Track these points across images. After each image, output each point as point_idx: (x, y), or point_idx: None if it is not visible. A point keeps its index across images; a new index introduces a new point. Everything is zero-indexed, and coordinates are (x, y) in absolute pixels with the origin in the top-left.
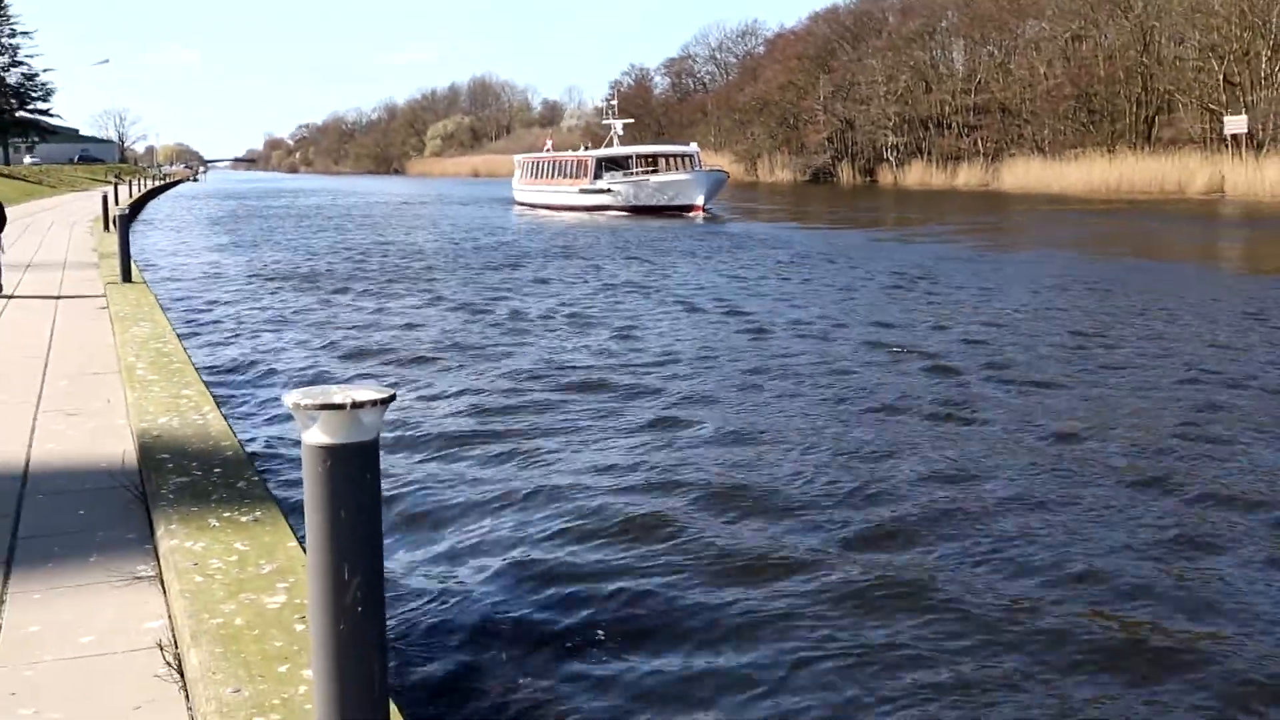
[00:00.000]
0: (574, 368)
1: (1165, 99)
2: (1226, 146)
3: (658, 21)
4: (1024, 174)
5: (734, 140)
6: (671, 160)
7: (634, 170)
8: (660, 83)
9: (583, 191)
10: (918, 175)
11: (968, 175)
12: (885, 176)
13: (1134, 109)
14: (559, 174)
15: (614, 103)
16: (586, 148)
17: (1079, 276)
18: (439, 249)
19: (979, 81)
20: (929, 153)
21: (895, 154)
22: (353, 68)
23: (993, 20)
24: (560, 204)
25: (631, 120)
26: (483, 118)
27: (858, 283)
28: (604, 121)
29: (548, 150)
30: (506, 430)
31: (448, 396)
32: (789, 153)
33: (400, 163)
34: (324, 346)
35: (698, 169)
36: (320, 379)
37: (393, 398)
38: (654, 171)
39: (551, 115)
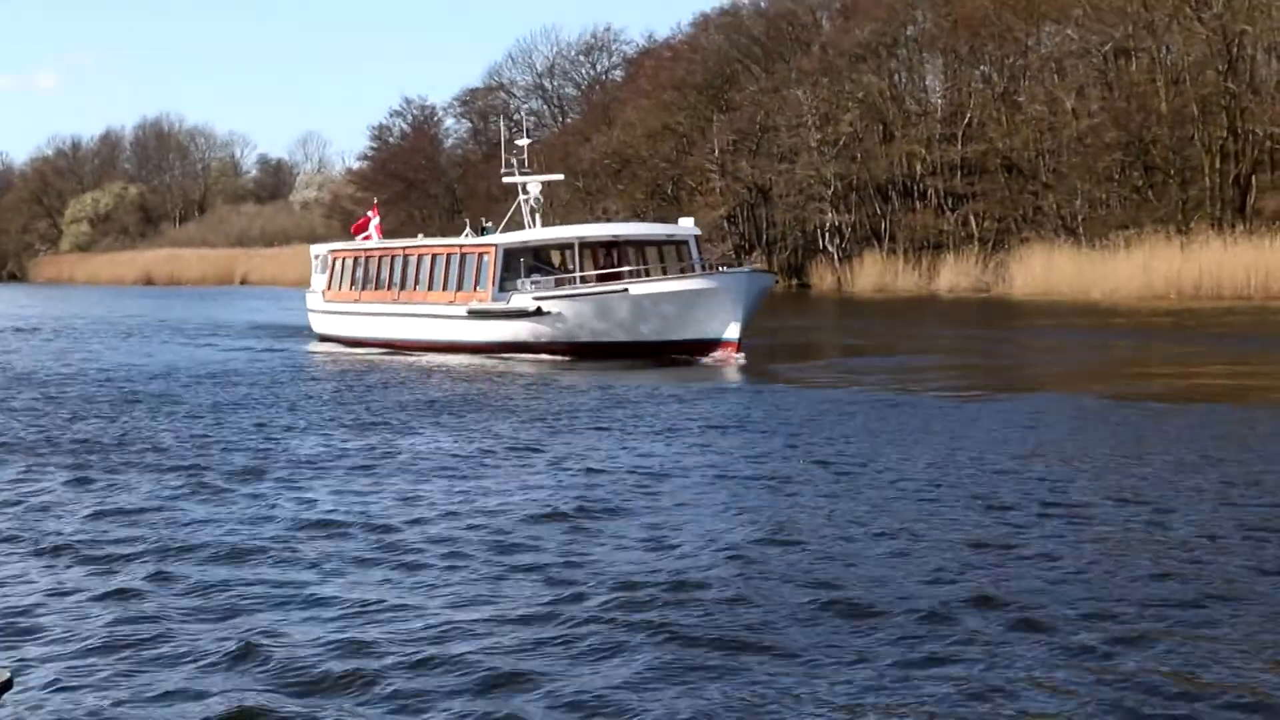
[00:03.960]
0: None
1: (1266, 147)
2: None
3: (451, 40)
4: (1044, 271)
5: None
6: (649, 251)
7: (575, 270)
8: (454, 128)
9: (475, 315)
10: (874, 275)
11: (955, 274)
12: (823, 276)
13: (1217, 163)
14: (419, 279)
15: (522, 142)
16: (484, 227)
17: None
18: None
19: (970, 123)
20: (890, 237)
21: (838, 241)
22: None
23: (988, 24)
24: (425, 338)
25: (560, 177)
26: (159, 187)
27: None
28: (504, 178)
29: (371, 233)
30: None
31: None
32: None
33: (20, 263)
34: None
35: (718, 268)
36: None
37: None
38: (617, 275)
39: (276, 181)
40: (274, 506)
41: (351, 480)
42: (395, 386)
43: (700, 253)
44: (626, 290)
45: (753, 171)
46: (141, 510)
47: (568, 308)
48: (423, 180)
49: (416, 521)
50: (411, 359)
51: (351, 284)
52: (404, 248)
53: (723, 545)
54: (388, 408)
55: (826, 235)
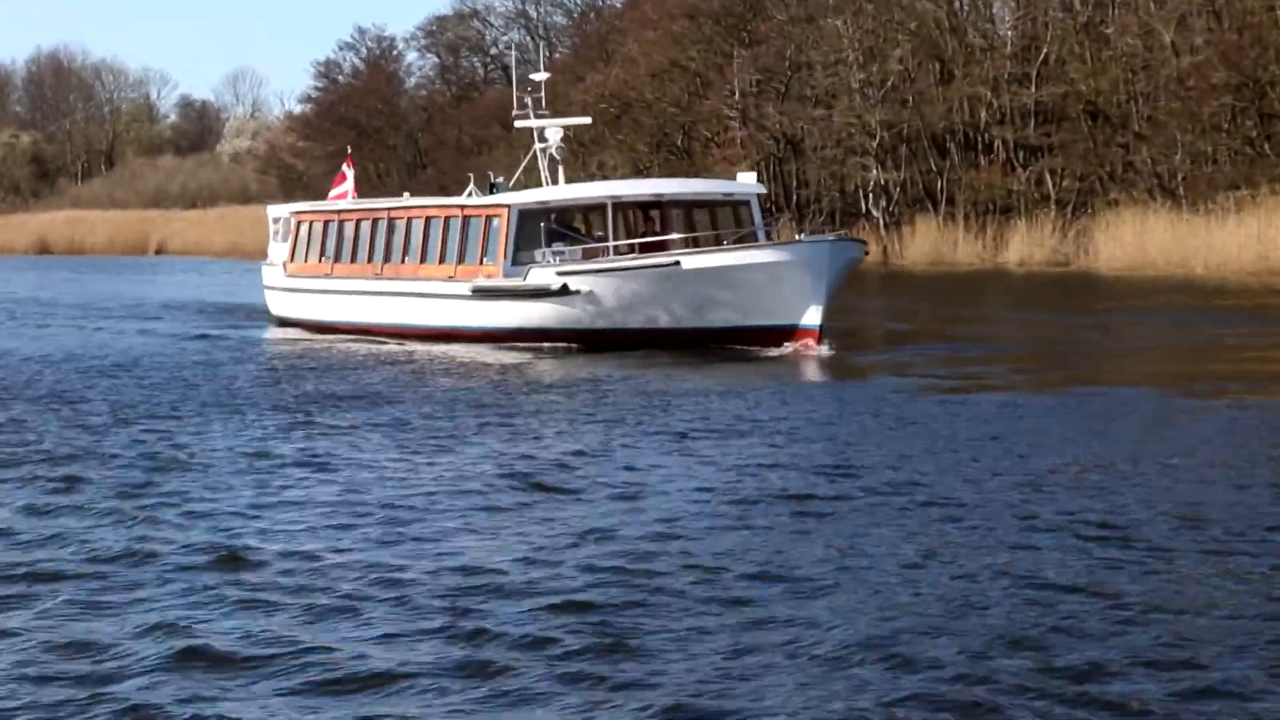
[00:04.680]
0: None
1: None
2: None
3: None
4: (1136, 240)
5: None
6: (697, 215)
7: (608, 238)
8: (417, 64)
9: (481, 294)
10: (929, 245)
11: (1027, 244)
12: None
13: None
14: (409, 249)
15: (538, 77)
16: (492, 184)
17: None
18: None
19: (1046, 59)
20: (948, 199)
21: (885, 203)
22: None
23: None
24: (416, 324)
25: (587, 121)
26: (58, 134)
27: None
28: (516, 120)
29: (346, 189)
30: None
31: None
32: None
33: None
34: None
35: (793, 238)
36: None
37: None
38: (661, 244)
39: (200, 129)
40: (170, 532)
41: (279, 505)
42: (371, 384)
43: (765, 216)
44: (678, 264)
45: (781, 119)
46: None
47: (601, 285)
48: (379, 128)
49: (355, 559)
50: (397, 349)
51: (321, 255)
52: (389, 209)
53: (743, 584)
54: (350, 409)
55: (870, 196)
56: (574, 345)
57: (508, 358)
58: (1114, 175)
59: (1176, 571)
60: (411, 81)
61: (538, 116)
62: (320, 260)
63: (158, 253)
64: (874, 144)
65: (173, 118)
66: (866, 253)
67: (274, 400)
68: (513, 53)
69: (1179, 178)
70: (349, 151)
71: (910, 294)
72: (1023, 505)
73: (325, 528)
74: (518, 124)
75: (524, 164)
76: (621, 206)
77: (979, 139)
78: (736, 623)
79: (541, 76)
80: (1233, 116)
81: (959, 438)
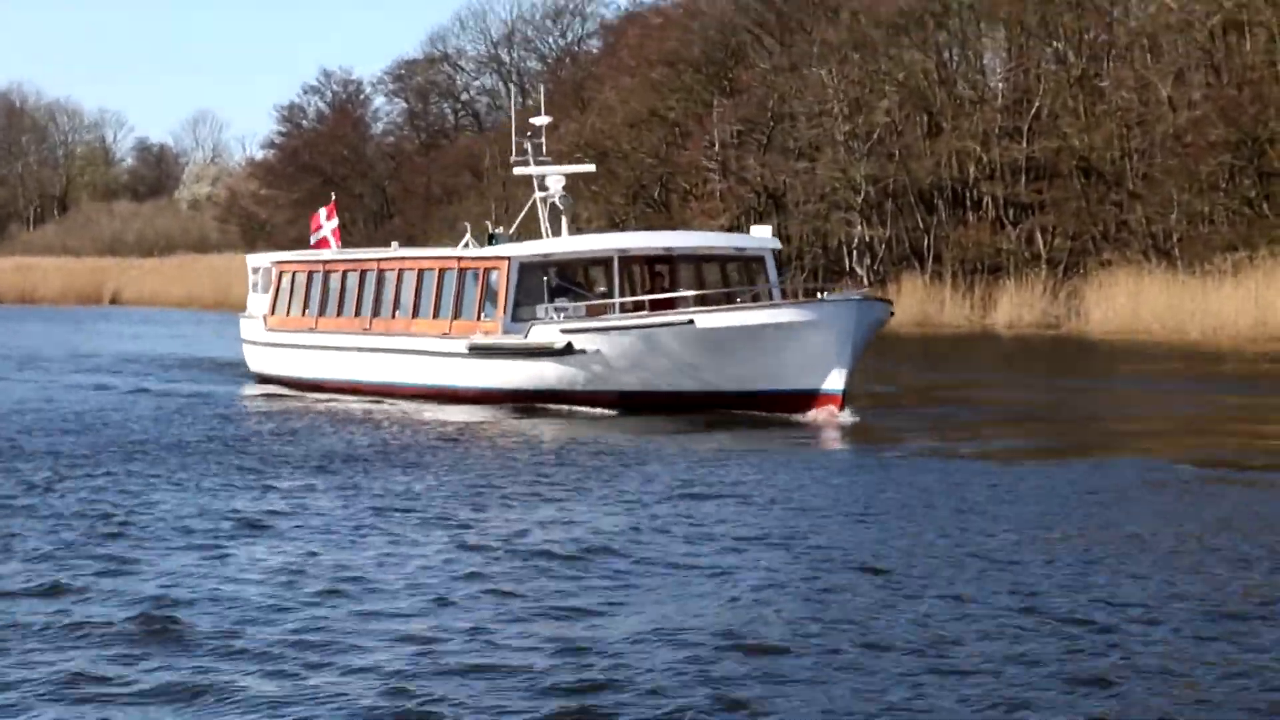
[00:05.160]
0: None
1: None
2: None
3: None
4: (1129, 302)
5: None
6: (707, 269)
7: (614, 293)
8: (385, 109)
9: (479, 352)
10: (914, 305)
11: (1017, 305)
12: None
13: None
14: (401, 302)
15: (539, 121)
16: (491, 236)
17: None
18: None
19: (1038, 113)
20: (935, 257)
21: (870, 261)
22: None
23: None
24: (408, 383)
25: (591, 168)
26: (9, 178)
27: None
28: (515, 167)
29: (325, 235)
30: None
31: None
32: None
33: None
34: None
35: (817, 294)
36: None
37: None
38: (670, 301)
39: (158, 174)
40: (102, 598)
41: (228, 572)
42: (346, 448)
43: (780, 272)
44: (691, 322)
45: (762, 171)
46: None
47: (609, 344)
48: (344, 176)
49: (298, 636)
50: (387, 410)
51: (305, 307)
52: (379, 260)
53: (712, 660)
54: (326, 473)
55: (855, 254)
56: (577, 408)
57: (505, 420)
58: (1107, 235)
59: (1171, 655)
60: (379, 128)
61: (538, 163)
62: (304, 313)
63: (112, 302)
64: (859, 199)
65: (129, 161)
66: (892, 313)
67: (249, 465)
68: (511, 99)
69: (1174, 238)
70: (333, 198)
71: (893, 356)
72: (1014, 584)
73: (272, 598)
74: (516, 171)
75: (524, 213)
76: (628, 260)
77: (968, 195)
78: (706, 702)
79: (543, 121)
80: (1231, 175)
81: (954, 510)
